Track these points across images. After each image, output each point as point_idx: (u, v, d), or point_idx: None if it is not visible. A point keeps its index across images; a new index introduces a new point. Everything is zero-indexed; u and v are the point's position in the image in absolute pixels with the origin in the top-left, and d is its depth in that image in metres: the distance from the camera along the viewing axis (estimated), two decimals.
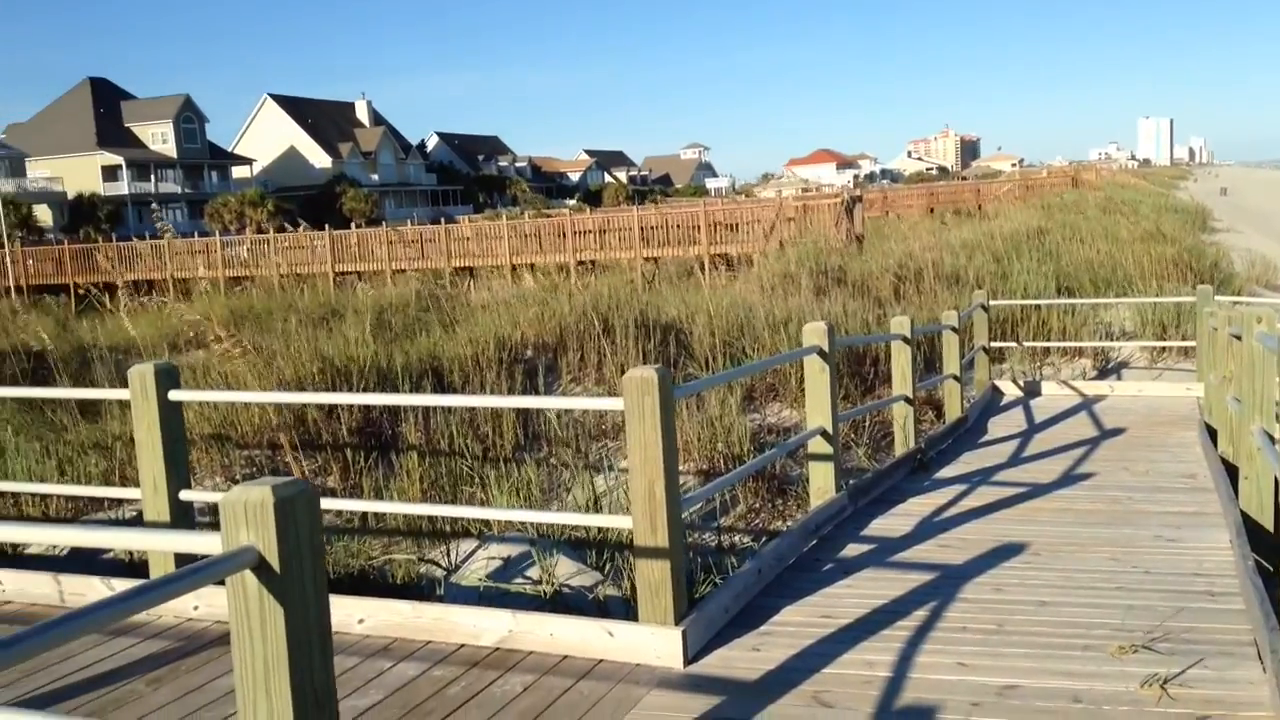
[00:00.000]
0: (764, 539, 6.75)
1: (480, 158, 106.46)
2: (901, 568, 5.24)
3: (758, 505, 7.55)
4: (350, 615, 4.61)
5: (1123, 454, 8.06)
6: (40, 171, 67.17)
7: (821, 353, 6.10)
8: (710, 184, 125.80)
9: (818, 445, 6.20)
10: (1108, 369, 12.31)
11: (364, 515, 6.72)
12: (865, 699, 3.75)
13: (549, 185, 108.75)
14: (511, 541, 6.09)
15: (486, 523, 6.46)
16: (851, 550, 5.60)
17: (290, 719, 2.46)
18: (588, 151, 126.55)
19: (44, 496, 6.88)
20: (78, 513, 7.05)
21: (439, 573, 6.11)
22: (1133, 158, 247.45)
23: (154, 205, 33.46)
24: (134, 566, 5.73)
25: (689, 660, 4.14)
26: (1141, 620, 4.35)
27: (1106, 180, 57.15)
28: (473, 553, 6.18)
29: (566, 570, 5.67)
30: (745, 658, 4.18)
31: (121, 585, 5.06)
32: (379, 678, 4.16)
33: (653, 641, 4.14)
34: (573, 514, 6.17)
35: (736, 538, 7.05)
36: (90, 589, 5.09)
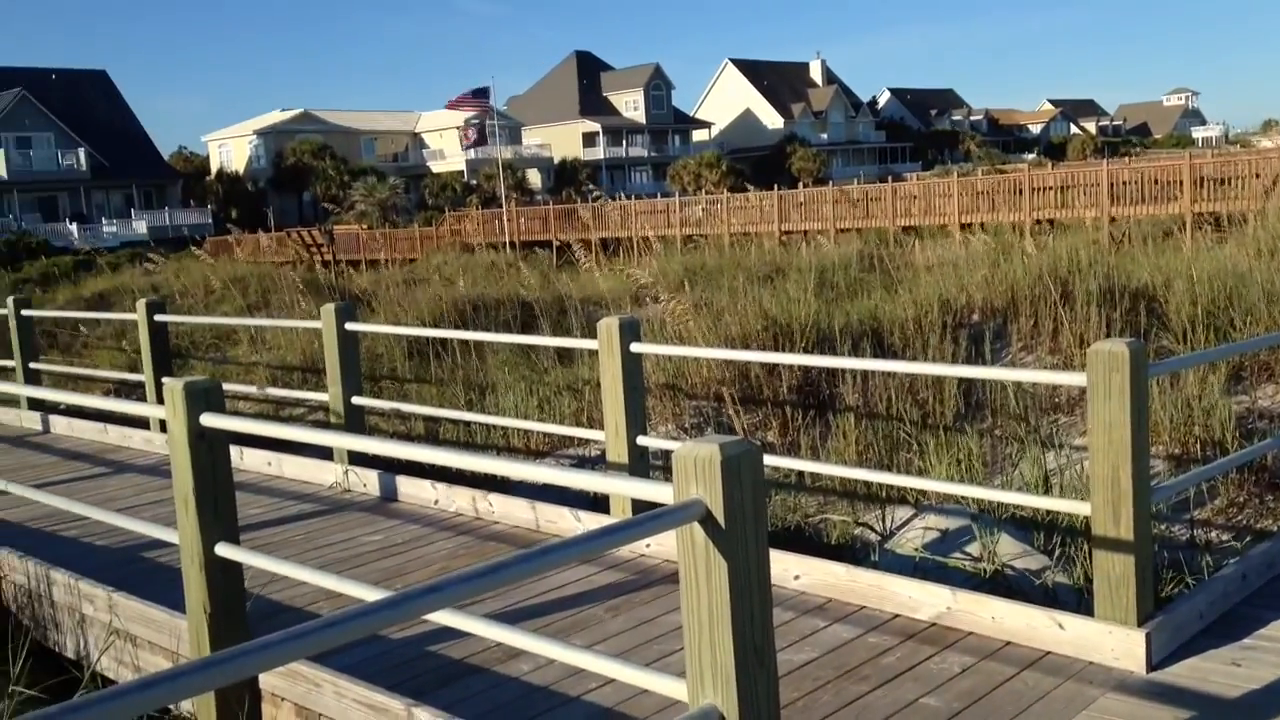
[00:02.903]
0: (1249, 539, 5.91)
1: (933, 112, 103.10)
2: None
3: (1241, 500, 6.61)
4: (787, 570, 4.72)
5: None
6: (533, 139, 75.70)
7: None
8: (1197, 133, 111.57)
9: None
10: None
11: (800, 472, 6.83)
12: None
13: (1006, 139, 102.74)
14: (950, 514, 5.88)
15: (924, 492, 6.29)
16: None
17: (732, 667, 2.56)
18: (1052, 101, 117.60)
19: (526, 431, 7.79)
20: (553, 447, 7.90)
21: (873, 537, 6.06)
22: None
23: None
24: (597, 500, 6.30)
25: (1152, 666, 3.73)
26: None
27: None
28: (908, 521, 6.06)
29: (1009, 550, 5.36)
30: (1222, 671, 3.69)
31: (587, 518, 5.59)
32: (814, 635, 4.22)
33: (1110, 640, 3.79)
34: (1019, 494, 5.81)
35: (1213, 534, 6.23)
36: (561, 518, 5.69)
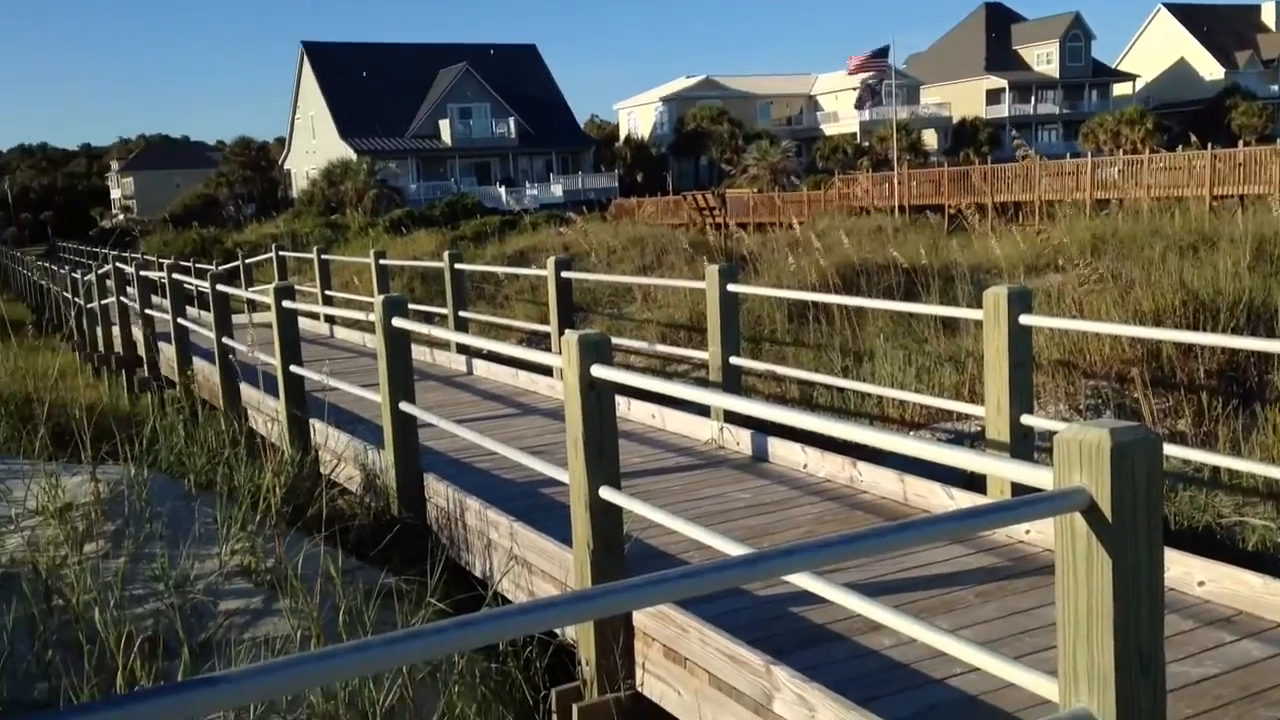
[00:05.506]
0: None
1: None
2: None
3: None
4: (1189, 574, 4.25)
5: None
6: (931, 98, 72.94)
7: None
8: None
9: None
10: None
11: (1215, 468, 6.08)
12: None
13: None
14: None
15: None
16: None
17: (1111, 672, 2.35)
18: None
19: (901, 401, 7.60)
20: (929, 419, 7.64)
21: None
22: None
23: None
24: (972, 478, 6.02)
25: None
26: None
27: None
28: None
29: None
30: None
31: (959, 495, 5.36)
32: (1217, 649, 3.77)
33: None
34: None
35: None
36: (931, 493, 5.50)
